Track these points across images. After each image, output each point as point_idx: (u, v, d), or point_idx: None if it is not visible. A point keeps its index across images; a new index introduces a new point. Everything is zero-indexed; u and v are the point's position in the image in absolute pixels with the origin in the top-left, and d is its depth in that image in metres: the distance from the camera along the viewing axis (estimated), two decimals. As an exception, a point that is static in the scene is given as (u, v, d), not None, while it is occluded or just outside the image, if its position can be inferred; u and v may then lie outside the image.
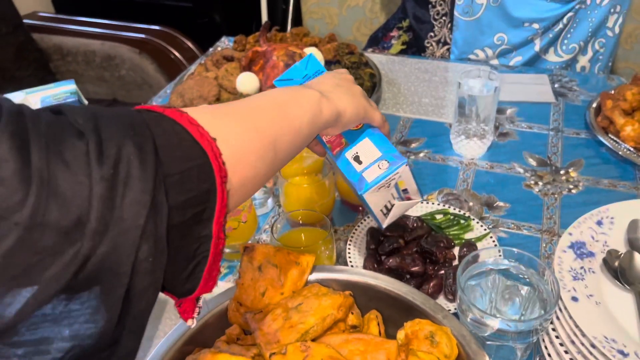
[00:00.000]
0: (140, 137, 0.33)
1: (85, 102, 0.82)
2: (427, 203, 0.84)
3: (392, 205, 0.61)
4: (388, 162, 0.57)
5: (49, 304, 0.29)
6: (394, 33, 1.53)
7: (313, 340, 0.52)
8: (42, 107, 0.33)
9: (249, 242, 0.77)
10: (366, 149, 0.59)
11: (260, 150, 0.42)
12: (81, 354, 0.31)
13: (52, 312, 0.30)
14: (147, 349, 0.67)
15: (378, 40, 1.56)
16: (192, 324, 0.42)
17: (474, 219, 0.81)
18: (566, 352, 0.58)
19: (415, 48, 1.47)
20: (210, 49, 1.46)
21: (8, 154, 0.27)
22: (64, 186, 0.29)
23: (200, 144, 0.36)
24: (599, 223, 0.69)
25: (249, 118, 0.43)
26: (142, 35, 1.96)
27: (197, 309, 0.42)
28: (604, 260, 0.65)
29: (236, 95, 1.10)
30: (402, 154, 0.59)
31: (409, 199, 0.62)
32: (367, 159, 0.58)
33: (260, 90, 1.10)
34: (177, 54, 1.92)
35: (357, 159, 0.59)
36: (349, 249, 0.78)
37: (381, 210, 0.61)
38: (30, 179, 0.27)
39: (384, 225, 0.63)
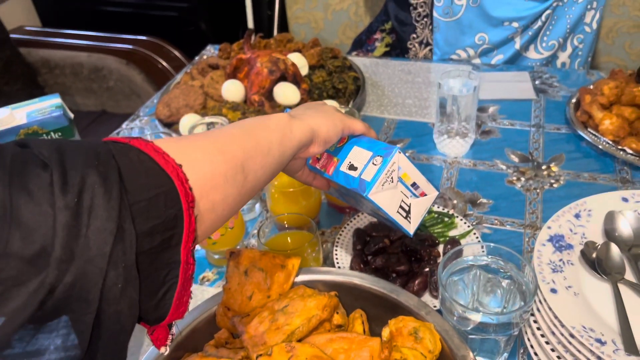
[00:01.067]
0: (105, 167, 0.34)
1: (71, 115, 0.83)
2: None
3: (410, 206, 0.61)
4: (381, 156, 0.57)
5: (15, 334, 0.29)
6: (378, 35, 1.55)
7: (299, 340, 0.53)
8: (8, 142, 0.34)
9: (237, 247, 0.79)
10: (357, 155, 0.59)
11: (227, 173, 0.43)
12: None
13: (20, 342, 0.30)
14: (137, 355, 0.68)
15: (362, 43, 1.58)
16: (165, 351, 0.43)
17: (457, 217, 0.82)
18: (547, 342, 0.60)
19: (398, 50, 1.49)
20: (196, 58, 1.48)
21: None
22: (27, 216, 0.29)
23: (166, 170, 0.37)
24: (577, 216, 0.71)
25: (214, 143, 0.44)
26: (129, 46, 1.97)
27: (169, 337, 0.42)
28: (582, 252, 0.66)
29: (222, 102, 1.11)
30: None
31: (423, 195, 0.61)
32: (361, 163, 0.59)
33: (246, 97, 1.12)
34: (164, 63, 1.94)
35: (351, 167, 0.59)
36: (336, 250, 0.79)
37: (399, 212, 0.60)
38: None
39: (412, 232, 0.61)
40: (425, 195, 0.62)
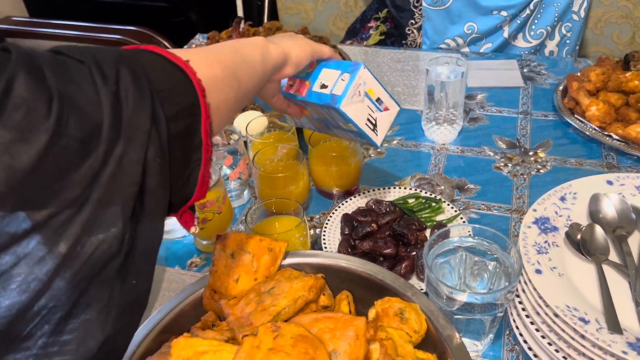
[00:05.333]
0: (131, 62, 0.39)
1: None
2: (400, 188, 0.86)
3: (376, 119, 0.67)
4: (348, 72, 0.65)
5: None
6: (372, 24, 1.55)
7: (285, 321, 0.53)
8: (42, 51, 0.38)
9: (225, 233, 0.79)
10: (327, 75, 0.67)
11: (224, 77, 0.49)
12: (101, 258, 0.34)
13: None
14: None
15: (356, 32, 1.58)
16: (195, 230, 0.49)
17: (445, 202, 0.83)
18: (532, 323, 0.60)
19: (394, 37, 1.49)
20: (185, 47, 1.47)
21: (26, 79, 0.31)
22: (79, 101, 0.33)
23: (178, 64, 0.43)
24: (563, 199, 0.72)
25: (210, 53, 0.50)
26: (118, 36, 1.95)
27: (195, 219, 0.48)
28: (567, 234, 0.67)
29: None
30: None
31: (387, 109, 0.68)
32: (331, 81, 0.65)
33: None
34: (153, 53, 1.92)
35: (323, 86, 0.66)
36: (324, 235, 0.79)
37: (366, 124, 0.67)
38: (51, 96, 0.32)
39: (379, 143, 0.69)
40: (388, 110, 0.68)
